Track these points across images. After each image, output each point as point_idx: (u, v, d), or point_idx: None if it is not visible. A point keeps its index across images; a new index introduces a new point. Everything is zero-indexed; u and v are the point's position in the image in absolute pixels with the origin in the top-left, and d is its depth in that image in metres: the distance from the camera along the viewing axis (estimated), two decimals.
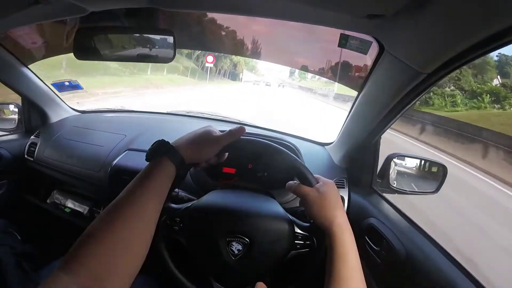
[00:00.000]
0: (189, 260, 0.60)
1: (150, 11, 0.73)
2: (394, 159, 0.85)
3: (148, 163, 0.47)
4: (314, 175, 0.56)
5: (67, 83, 1.26)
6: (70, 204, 1.17)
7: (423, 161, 0.90)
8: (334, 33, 0.69)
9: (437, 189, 0.84)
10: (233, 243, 0.57)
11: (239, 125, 0.55)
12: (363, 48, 0.69)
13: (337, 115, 10.77)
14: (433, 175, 0.87)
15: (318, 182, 0.55)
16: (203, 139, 0.51)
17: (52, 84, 1.24)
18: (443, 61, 0.50)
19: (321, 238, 0.56)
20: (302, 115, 11.49)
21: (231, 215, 0.59)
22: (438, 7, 0.40)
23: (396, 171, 0.87)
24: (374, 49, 0.67)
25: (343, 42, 0.69)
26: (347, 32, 0.67)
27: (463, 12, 0.38)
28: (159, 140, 0.49)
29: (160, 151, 0.47)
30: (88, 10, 0.60)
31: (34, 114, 1.23)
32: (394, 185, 0.85)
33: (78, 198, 1.19)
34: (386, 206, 0.82)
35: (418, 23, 0.46)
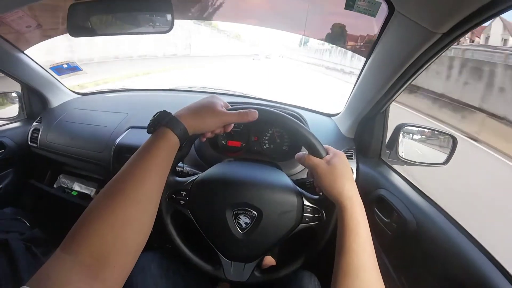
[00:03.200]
0: (195, 235, 0.58)
1: None
2: (403, 129, 0.83)
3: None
4: (324, 145, 0.53)
5: (65, 66, 1.24)
6: (77, 187, 1.18)
7: (432, 132, 0.87)
8: None
9: (447, 161, 0.82)
10: (241, 216, 0.56)
11: (251, 110, 0.51)
12: (371, 10, 0.65)
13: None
14: (442, 146, 0.85)
15: (328, 153, 0.53)
16: (206, 110, 0.49)
17: (50, 68, 1.21)
18: (459, 19, 0.47)
19: (330, 211, 0.55)
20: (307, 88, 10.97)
21: (238, 186, 0.57)
22: None
23: (405, 141, 0.85)
24: (382, 12, 0.64)
25: (350, 3, 0.65)
26: None
27: None
28: (160, 111, 0.47)
29: (161, 121, 0.45)
30: None
31: (34, 100, 1.21)
32: (403, 156, 0.83)
33: (85, 180, 1.20)
34: (395, 177, 0.81)
35: None
